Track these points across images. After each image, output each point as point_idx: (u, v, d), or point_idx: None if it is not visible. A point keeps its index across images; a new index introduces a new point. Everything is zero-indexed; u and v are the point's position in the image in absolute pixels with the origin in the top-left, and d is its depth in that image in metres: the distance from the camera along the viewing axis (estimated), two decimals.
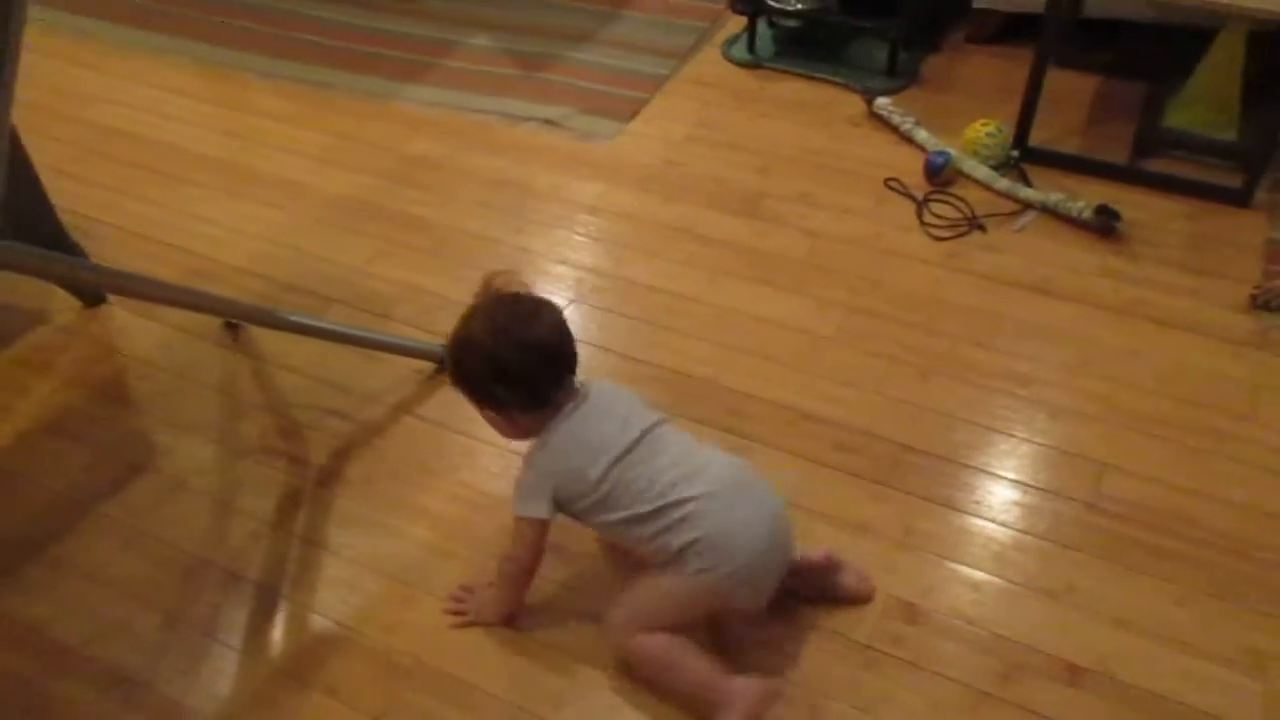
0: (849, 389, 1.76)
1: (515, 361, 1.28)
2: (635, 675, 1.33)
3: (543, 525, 1.33)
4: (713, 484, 1.28)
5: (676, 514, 1.26)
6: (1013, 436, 1.67)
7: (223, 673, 1.38)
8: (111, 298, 1.99)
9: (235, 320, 1.90)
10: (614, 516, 1.29)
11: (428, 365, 1.81)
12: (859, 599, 1.43)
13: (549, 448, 1.32)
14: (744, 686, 1.27)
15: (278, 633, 1.43)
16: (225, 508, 1.60)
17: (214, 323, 1.92)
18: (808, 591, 1.42)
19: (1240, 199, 2.12)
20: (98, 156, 2.43)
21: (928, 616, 1.42)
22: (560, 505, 1.32)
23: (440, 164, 2.37)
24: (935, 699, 1.32)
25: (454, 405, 1.75)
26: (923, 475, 1.61)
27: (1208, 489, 1.58)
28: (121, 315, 1.96)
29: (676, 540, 1.26)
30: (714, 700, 1.27)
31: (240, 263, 2.08)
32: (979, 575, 1.47)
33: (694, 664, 1.28)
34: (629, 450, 1.29)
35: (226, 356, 1.87)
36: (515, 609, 1.41)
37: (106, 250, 2.06)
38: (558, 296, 1.94)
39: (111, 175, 2.36)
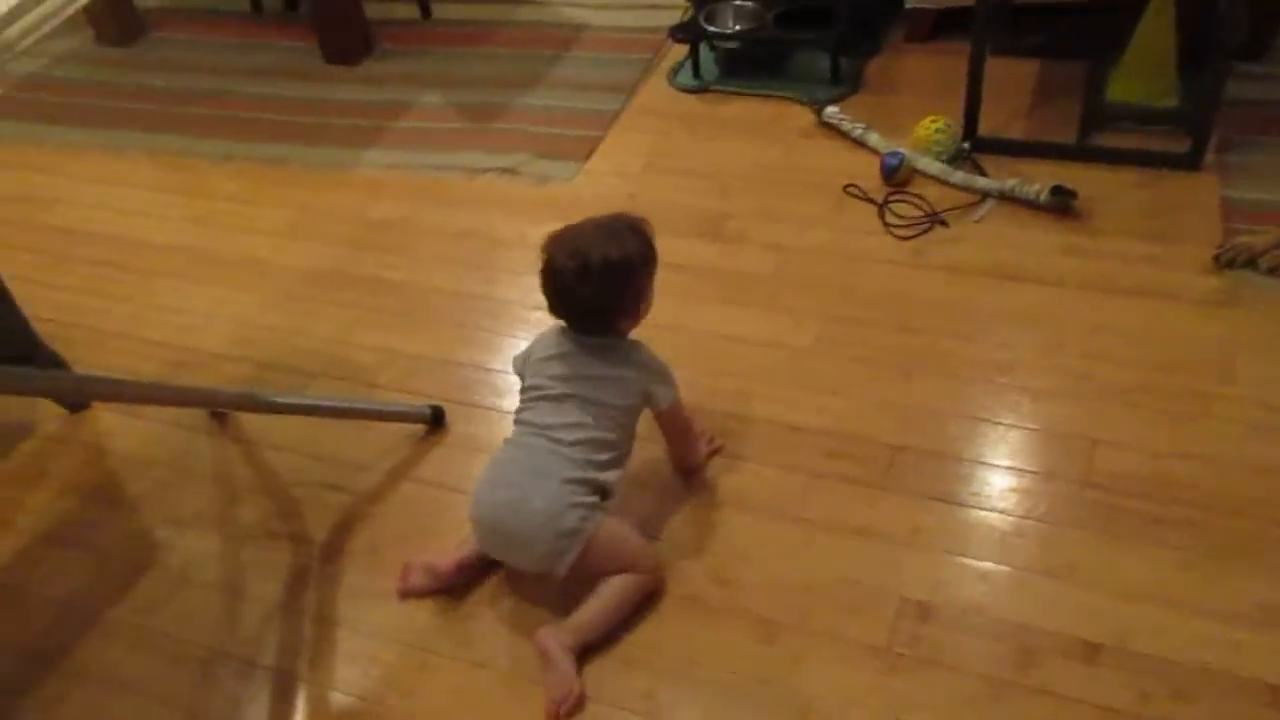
0: (834, 397, 1.78)
1: (543, 267, 1.48)
2: None
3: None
4: (516, 455, 1.49)
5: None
6: (1000, 424, 1.70)
7: None
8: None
9: (221, 410, 1.91)
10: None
11: (418, 428, 1.82)
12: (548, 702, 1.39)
13: (537, 339, 1.58)
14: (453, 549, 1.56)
15: (300, 716, 1.44)
16: (234, 596, 1.60)
17: (200, 412, 1.92)
18: None
19: (1190, 163, 2.16)
20: (64, 260, 2.43)
21: (940, 612, 1.43)
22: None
23: (404, 225, 2.39)
24: (958, 694, 1.34)
25: (449, 464, 1.76)
26: (918, 473, 1.63)
27: (1196, 452, 1.60)
28: (107, 417, 1.97)
29: None
30: None
31: (218, 348, 2.09)
32: (985, 565, 1.49)
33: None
34: (543, 392, 1.51)
35: (216, 444, 1.88)
36: None
37: (85, 353, 2.07)
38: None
39: (80, 277, 2.36)
